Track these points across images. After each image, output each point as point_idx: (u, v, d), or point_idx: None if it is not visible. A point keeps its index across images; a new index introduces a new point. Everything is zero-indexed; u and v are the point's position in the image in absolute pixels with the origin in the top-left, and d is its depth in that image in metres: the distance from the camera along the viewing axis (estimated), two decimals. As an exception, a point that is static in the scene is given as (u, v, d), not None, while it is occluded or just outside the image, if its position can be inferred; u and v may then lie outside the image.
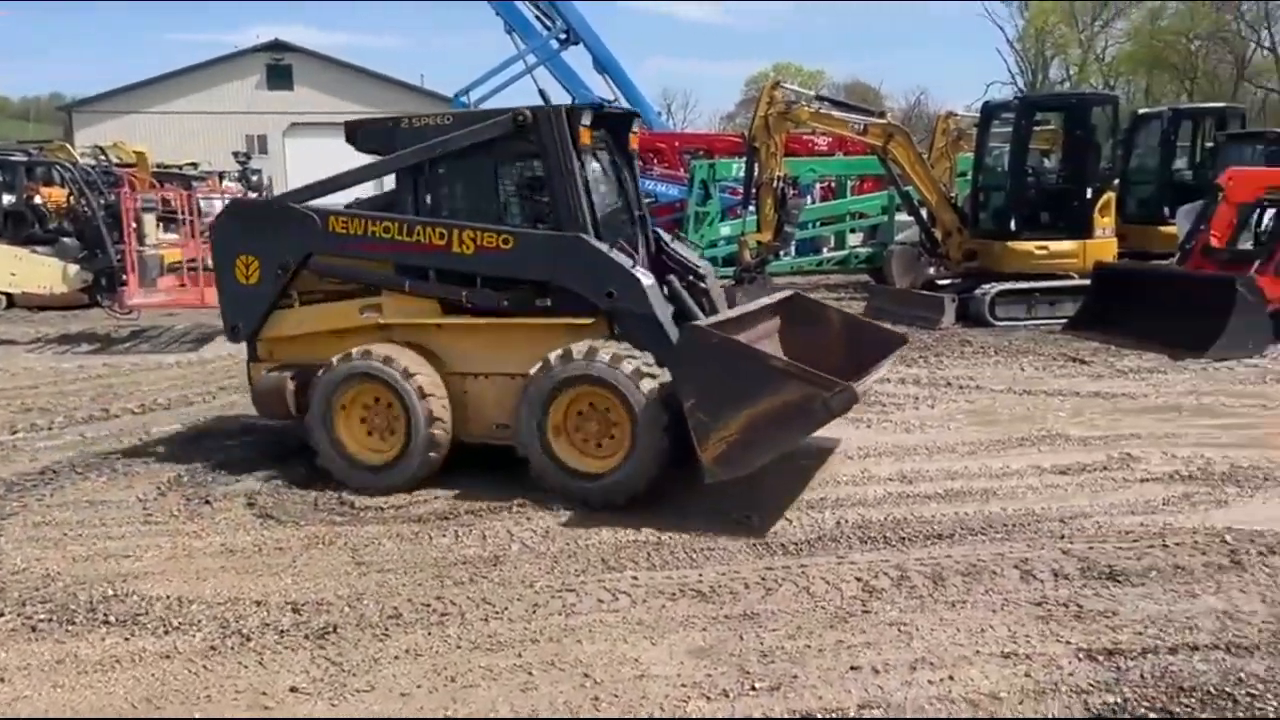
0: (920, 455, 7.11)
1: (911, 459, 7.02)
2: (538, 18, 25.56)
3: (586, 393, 6.05)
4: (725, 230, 17.27)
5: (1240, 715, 3.63)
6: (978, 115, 15.01)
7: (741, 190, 14.58)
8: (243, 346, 7.32)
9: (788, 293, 7.69)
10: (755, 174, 13.54)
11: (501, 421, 6.51)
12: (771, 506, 5.98)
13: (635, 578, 5.03)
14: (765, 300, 7.41)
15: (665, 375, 5.93)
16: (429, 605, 4.73)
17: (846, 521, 5.74)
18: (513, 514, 6.00)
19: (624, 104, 29.08)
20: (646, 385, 5.87)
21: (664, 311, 6.32)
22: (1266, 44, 52.12)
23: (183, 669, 4.21)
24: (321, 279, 6.98)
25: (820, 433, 7.37)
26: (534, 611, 4.66)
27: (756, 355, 5.79)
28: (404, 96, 49.10)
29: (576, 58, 26.45)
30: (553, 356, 6.05)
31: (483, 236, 6.41)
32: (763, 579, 4.98)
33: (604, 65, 25.99)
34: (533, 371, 6.12)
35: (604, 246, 6.28)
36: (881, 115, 14.35)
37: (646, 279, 6.35)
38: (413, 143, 6.66)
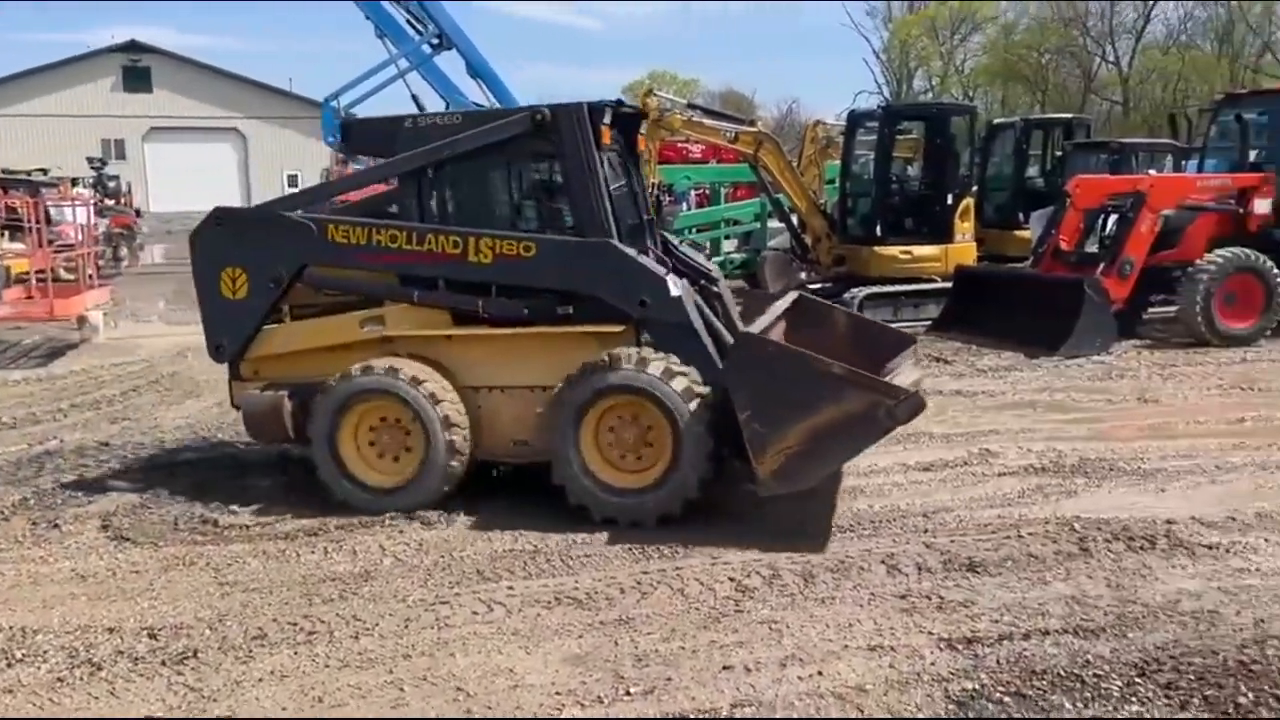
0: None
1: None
2: (409, 21, 25.11)
3: (624, 403, 5.82)
4: (602, 237, 17.29)
5: (1087, 695, 3.81)
6: (845, 124, 15.44)
7: (617, 197, 14.63)
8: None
9: (794, 294, 7.43)
10: (630, 181, 13.61)
11: (520, 438, 6.21)
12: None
13: (511, 588, 4.99)
14: (779, 304, 7.13)
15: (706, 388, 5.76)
16: (296, 624, 4.59)
17: (719, 523, 5.81)
18: (385, 528, 5.87)
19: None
20: (693, 400, 5.68)
21: (698, 320, 6.13)
22: (1110, 59, 55.24)
23: (27, 703, 3.98)
24: (318, 292, 6.57)
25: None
26: (406, 626, 4.57)
27: (817, 363, 5.49)
28: (271, 100, 47.69)
29: (450, 62, 26.13)
30: (591, 365, 5.79)
31: (502, 244, 6.09)
32: (639, 583, 5.00)
33: (478, 70, 25.64)
34: (565, 381, 5.86)
35: (633, 252, 6.09)
36: (752, 123, 14.63)
37: (680, 287, 6.17)
38: (417, 144, 6.30)
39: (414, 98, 25.98)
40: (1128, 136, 22.74)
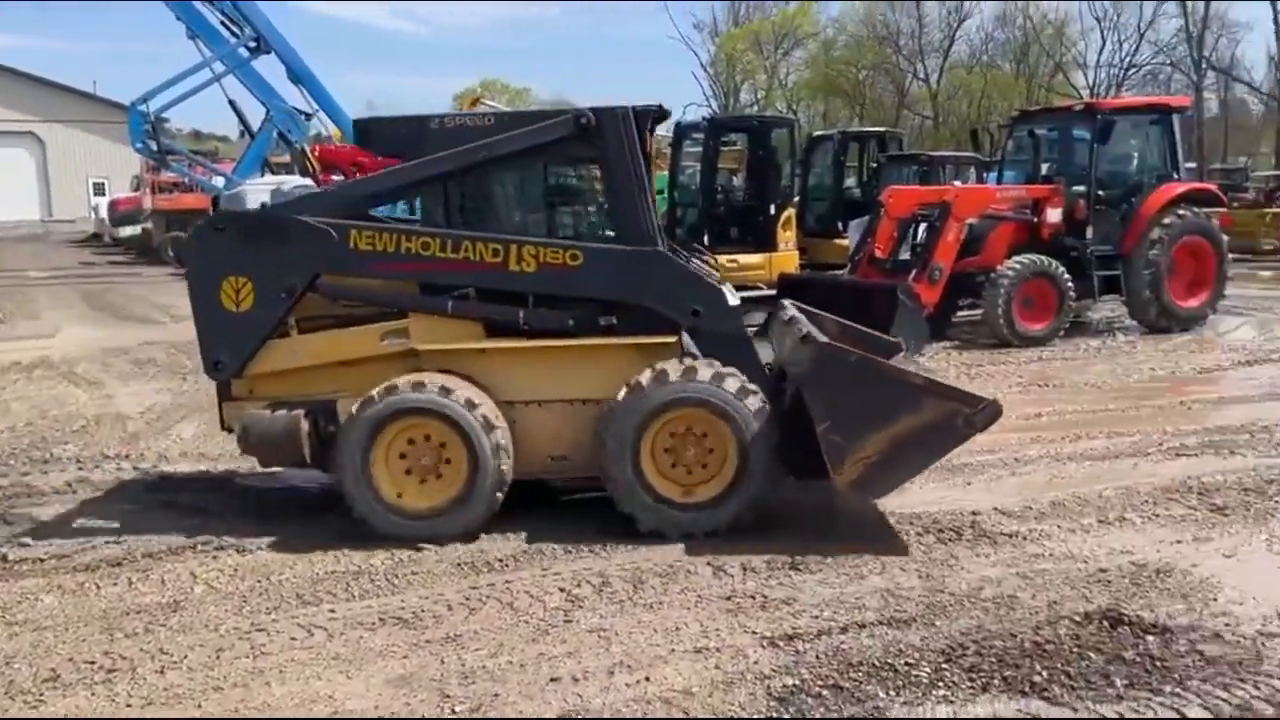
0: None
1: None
2: (223, 23, 24.03)
3: (686, 416, 5.65)
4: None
5: (899, 683, 3.98)
6: (672, 135, 15.73)
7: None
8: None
9: (786, 302, 7.29)
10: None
11: (558, 453, 5.94)
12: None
13: (333, 610, 4.82)
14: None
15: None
16: (94, 663, 4.29)
17: (550, 533, 5.78)
18: (196, 554, 5.58)
19: (324, 117, 28.00)
20: (764, 415, 5.60)
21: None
22: (921, 76, 58.33)
23: None
24: (334, 302, 6.07)
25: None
26: (218, 657, 4.34)
27: (897, 373, 5.52)
28: (72, 103, 44.82)
29: (270, 67, 25.16)
30: (655, 376, 5.61)
31: (546, 252, 5.80)
32: (467, 599, 4.93)
33: (299, 76, 24.80)
34: (624, 393, 5.64)
35: (683, 260, 5.90)
36: (581, 133, 14.70)
37: (735, 296, 5.98)
38: (448, 145, 5.92)
39: (231, 103, 24.92)
40: (937, 149, 24.06)
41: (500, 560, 5.39)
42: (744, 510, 5.68)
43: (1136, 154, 14.02)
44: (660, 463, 5.71)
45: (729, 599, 4.85)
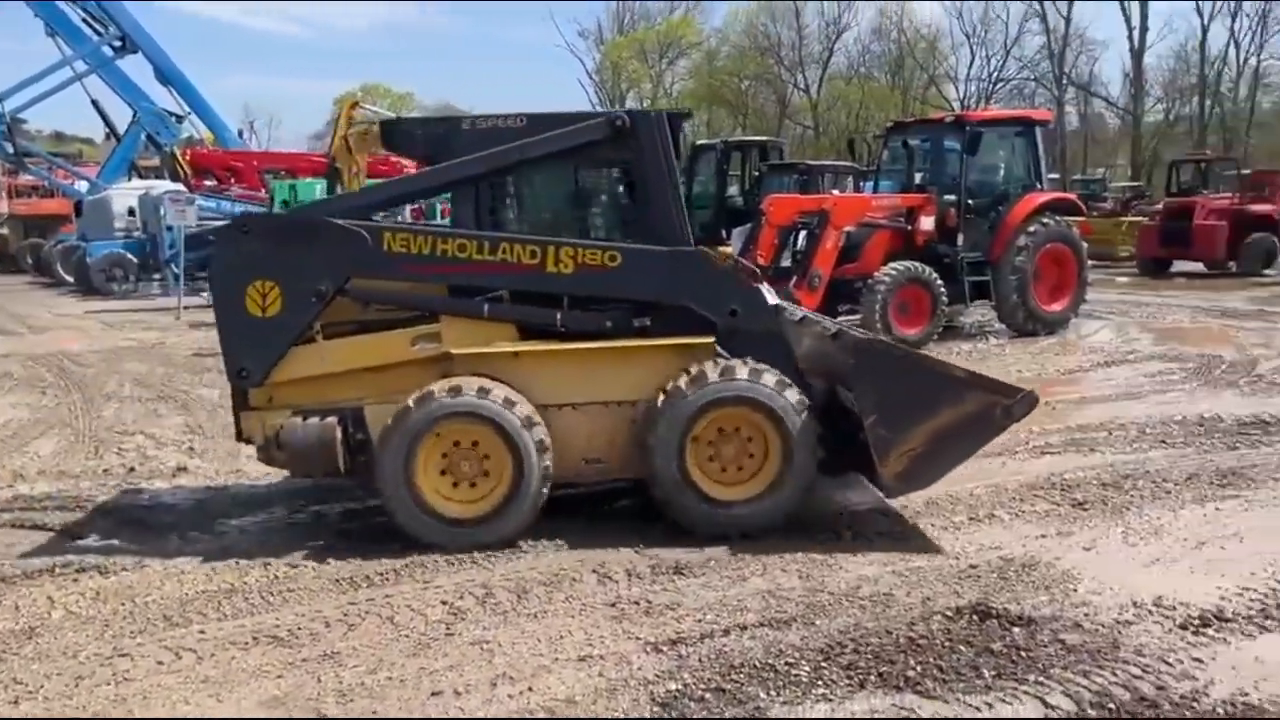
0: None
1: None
2: (85, 21, 23.01)
3: (729, 415, 5.64)
4: (312, 254, 16.61)
5: (780, 683, 4.05)
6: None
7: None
8: None
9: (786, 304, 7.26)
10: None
11: (593, 456, 5.84)
12: (356, 541, 5.80)
13: (203, 631, 4.64)
14: None
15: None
16: (-61, 697, 4.03)
17: (432, 546, 5.69)
18: (54, 577, 5.30)
19: (196, 120, 27.07)
20: (804, 410, 5.64)
21: None
22: (802, 86, 59.68)
23: None
24: (366, 306, 5.90)
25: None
26: (77, 685, 4.13)
27: (939, 366, 5.67)
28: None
29: (138, 67, 24.20)
30: (694, 378, 5.60)
31: (585, 254, 5.74)
32: (345, 615, 4.80)
33: (168, 76, 23.99)
34: (667, 394, 5.61)
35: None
36: (465, 139, 14.53)
37: (773, 294, 5.99)
38: (480, 146, 5.83)
39: (94, 103, 23.91)
40: (817, 159, 24.63)
41: (380, 574, 5.28)
42: (790, 505, 5.74)
43: (1003, 165, 14.63)
44: (704, 462, 5.72)
45: (613, 605, 4.85)
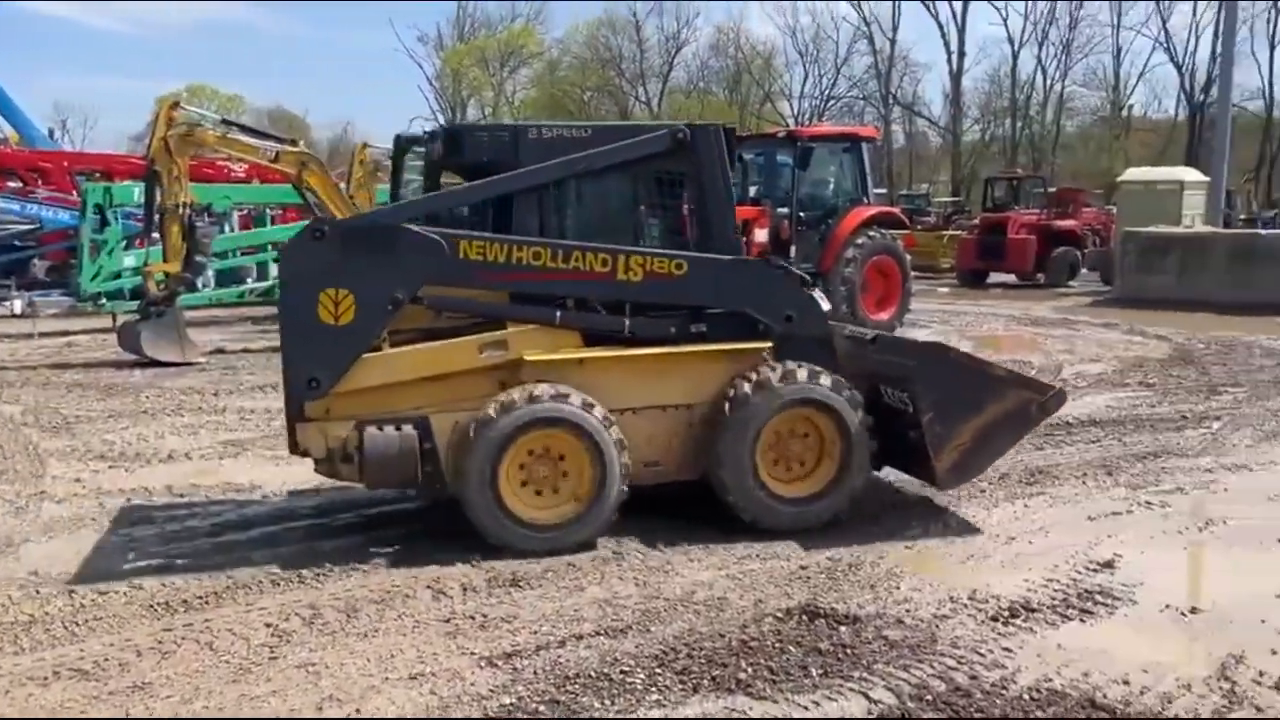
0: (340, 487, 6.99)
1: (331, 491, 6.88)
2: None
3: (793, 416, 5.96)
4: (129, 260, 15.68)
5: (614, 691, 4.05)
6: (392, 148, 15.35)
7: (144, 217, 13.36)
8: None
9: None
10: (158, 200, 12.48)
11: (651, 459, 5.97)
12: (173, 564, 5.50)
13: (-3, 667, 4.29)
14: None
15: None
16: None
17: (259, 565, 5.45)
18: None
19: (-1, 116, 25.18)
20: (859, 408, 6.01)
21: None
22: (643, 99, 60.51)
23: None
24: (438, 315, 5.91)
25: (240, 475, 7.03)
26: None
27: (985, 366, 6.27)
28: None
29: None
30: (762, 381, 5.88)
31: (653, 262, 5.89)
32: (160, 642, 4.53)
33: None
34: (735, 397, 5.86)
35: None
36: (295, 143, 14.05)
37: (826, 302, 6.34)
38: (545, 156, 5.92)
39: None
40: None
41: (199, 598, 5.01)
42: (851, 497, 6.08)
43: (833, 179, 15.21)
44: (769, 462, 6.00)
45: (448, 621, 4.76)
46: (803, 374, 5.94)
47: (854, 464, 6.03)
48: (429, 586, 5.17)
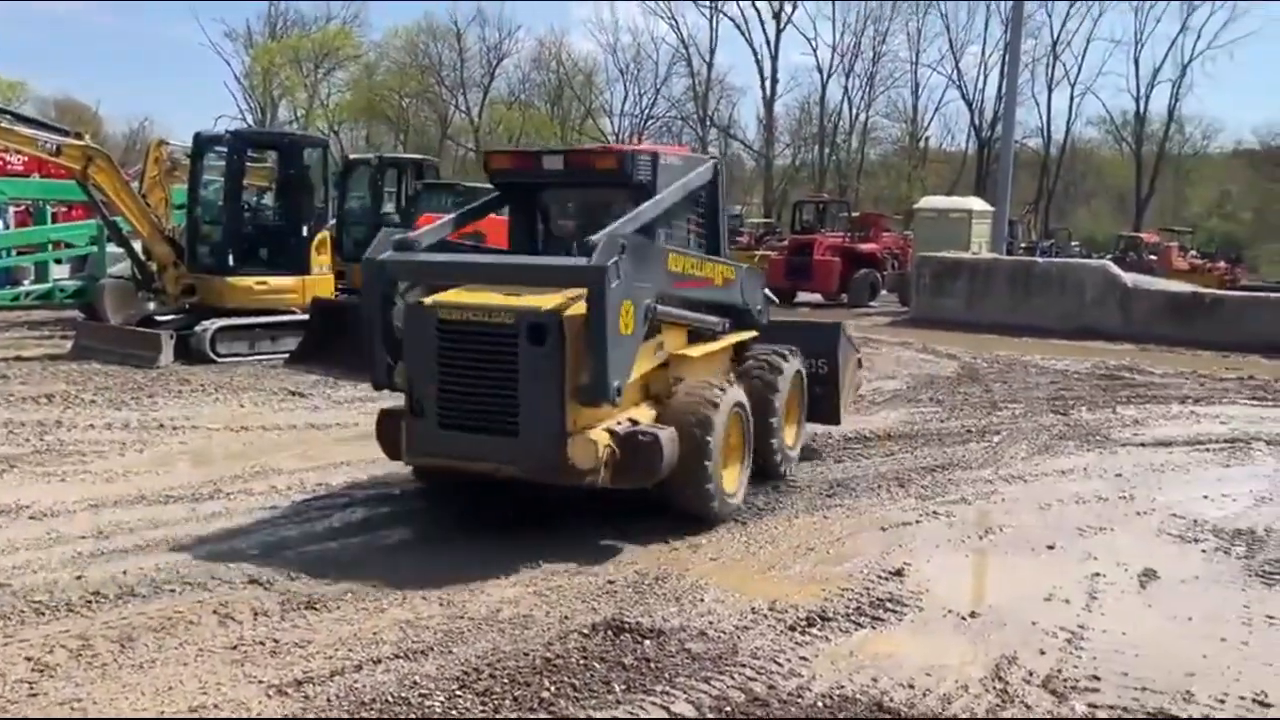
0: (122, 506, 6.54)
1: (111, 511, 6.42)
2: None
3: (799, 381, 8.00)
4: (-118, 257, 14.20)
5: (413, 715, 3.92)
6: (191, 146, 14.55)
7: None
8: None
9: None
10: (-83, 191, 11.35)
11: None
12: (-81, 591, 4.96)
13: None
14: None
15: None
16: None
17: (21, 593, 4.99)
18: None
19: None
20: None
21: None
22: (463, 108, 59.84)
23: None
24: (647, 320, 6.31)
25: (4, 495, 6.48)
26: None
27: (851, 336, 9.11)
28: None
29: None
30: (774, 363, 7.53)
31: (727, 270, 7.32)
32: (-102, 682, 4.07)
33: None
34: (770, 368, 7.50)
35: None
36: (79, 136, 13.09)
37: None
38: (670, 181, 6.65)
39: None
40: (480, 181, 24.69)
41: (-53, 631, 4.54)
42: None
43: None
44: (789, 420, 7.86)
45: (235, 648, 4.48)
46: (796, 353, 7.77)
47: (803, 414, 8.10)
48: (215, 611, 4.87)
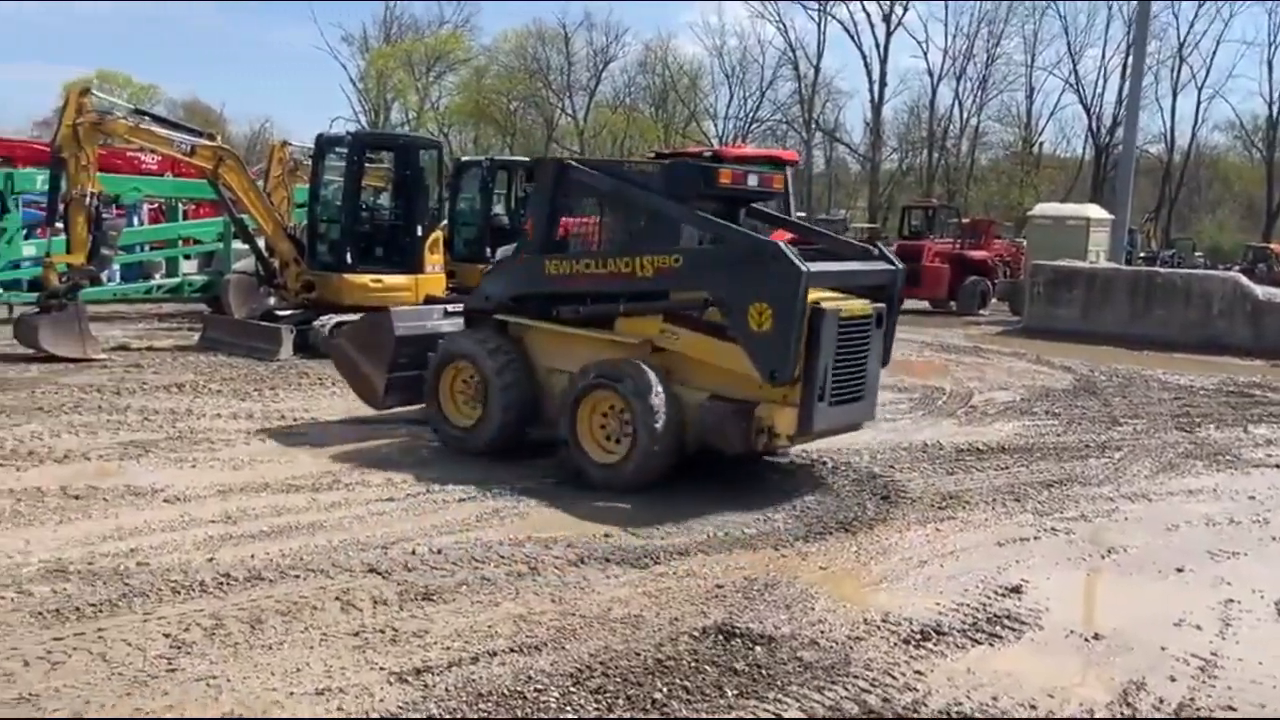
0: (248, 493, 6.80)
1: (239, 497, 6.68)
2: None
3: None
4: (30, 250, 15.04)
5: (528, 709, 3.98)
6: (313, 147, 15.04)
7: (47, 206, 12.82)
8: None
9: None
10: (63, 188, 11.99)
11: None
12: (65, 568, 5.24)
13: None
14: None
15: None
16: None
17: (158, 573, 5.23)
18: None
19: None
20: None
21: None
22: (569, 111, 60.47)
23: None
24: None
25: (142, 478, 6.79)
26: None
27: None
28: None
29: None
30: None
31: None
32: (49, 652, 4.31)
33: None
34: None
35: None
36: (212, 137, 13.67)
37: None
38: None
39: None
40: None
41: (93, 606, 4.78)
42: None
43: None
44: None
45: (357, 634, 4.62)
46: None
47: None
48: (337, 598, 5.02)
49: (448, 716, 3.89)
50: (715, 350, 7.20)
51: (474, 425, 8.06)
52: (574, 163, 8.20)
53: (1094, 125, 54.85)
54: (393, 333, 8.45)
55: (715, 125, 60.00)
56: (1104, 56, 55.39)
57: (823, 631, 4.87)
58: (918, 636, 4.86)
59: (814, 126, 57.13)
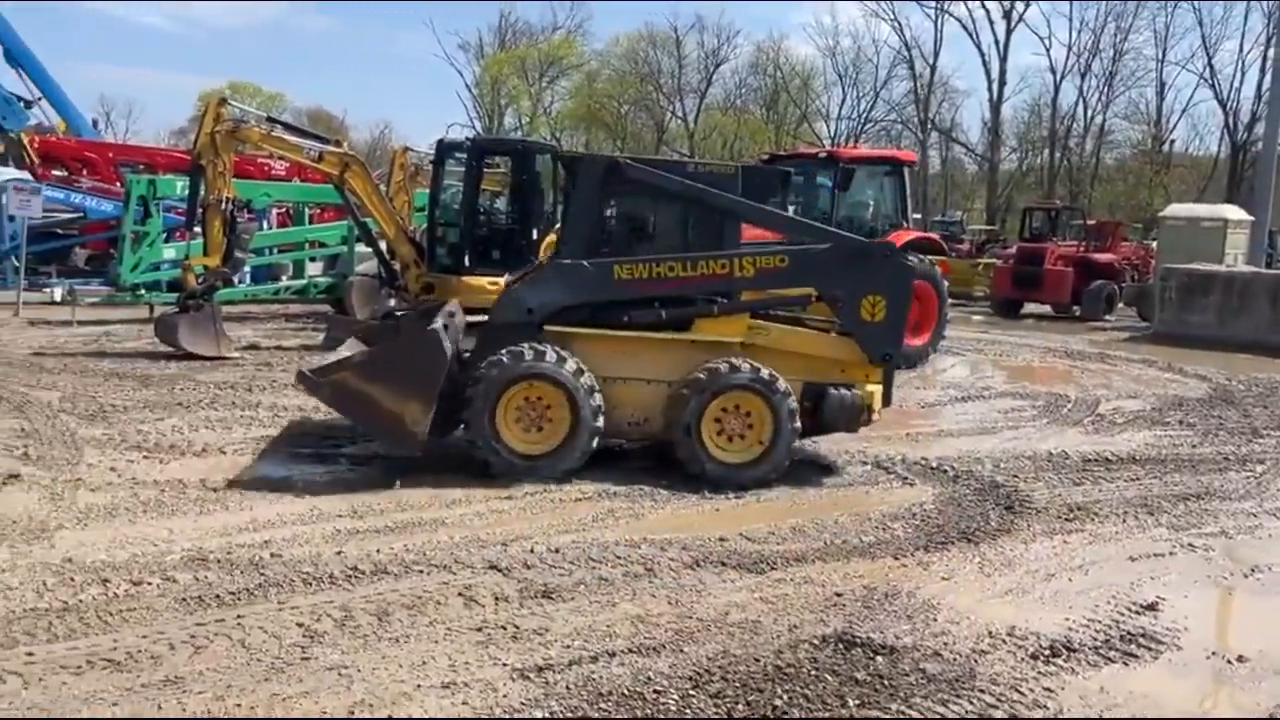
0: (372, 489, 7.00)
1: (363, 493, 6.88)
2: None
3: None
4: (170, 253, 15.83)
5: (648, 710, 3.99)
6: (434, 152, 15.41)
7: (186, 211, 13.47)
8: None
9: None
10: (201, 194, 12.59)
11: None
12: (206, 557, 5.49)
13: (31, 654, 4.29)
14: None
15: None
16: None
17: (291, 564, 5.44)
18: None
19: (47, 106, 25.54)
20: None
21: None
22: (679, 114, 60.56)
23: None
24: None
25: (272, 472, 7.05)
26: (-119, 714, 3.75)
27: None
28: None
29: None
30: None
31: None
32: (192, 636, 4.52)
33: (17, 57, 22.66)
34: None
35: None
36: (338, 144, 14.14)
37: None
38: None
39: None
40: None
41: (232, 594, 5.00)
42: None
43: (872, 202, 15.09)
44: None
45: (480, 630, 4.72)
46: None
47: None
48: (460, 594, 5.14)
49: (569, 715, 3.93)
50: (806, 341, 7.89)
51: (552, 451, 7.27)
52: (631, 161, 7.75)
53: (1230, 122, 52.11)
54: (444, 353, 7.23)
55: (827, 126, 59.22)
56: (1242, 49, 52.51)
57: (946, 644, 4.76)
58: (1046, 652, 4.70)
59: (929, 126, 55.86)
